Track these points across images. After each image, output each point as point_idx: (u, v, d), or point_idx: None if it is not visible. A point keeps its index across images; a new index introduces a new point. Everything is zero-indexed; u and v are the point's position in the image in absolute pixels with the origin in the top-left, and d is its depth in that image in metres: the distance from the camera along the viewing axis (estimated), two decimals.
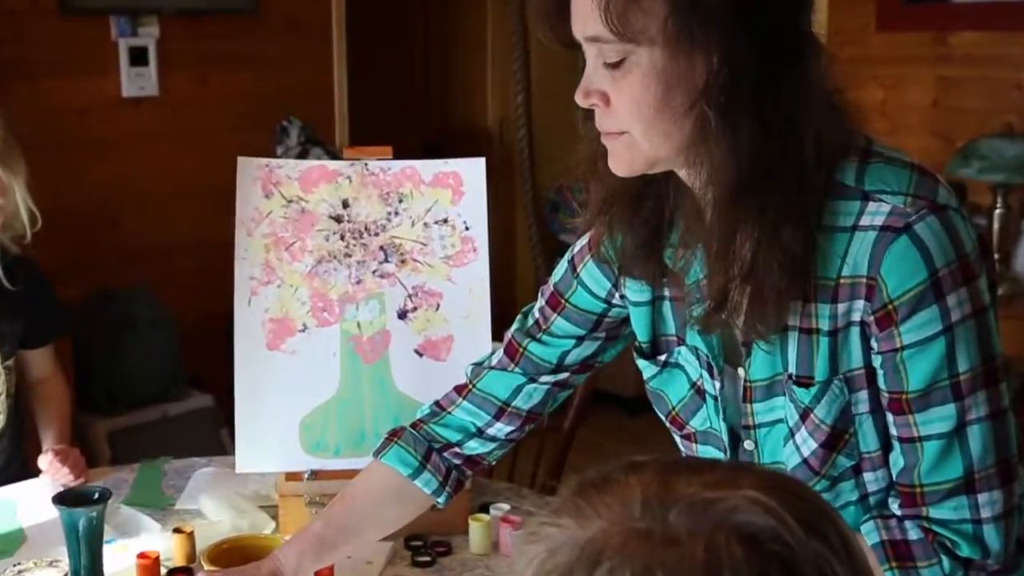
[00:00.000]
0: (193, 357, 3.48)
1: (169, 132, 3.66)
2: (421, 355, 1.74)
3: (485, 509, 1.71)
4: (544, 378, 1.42)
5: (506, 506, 1.71)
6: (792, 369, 1.18)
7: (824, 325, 1.15)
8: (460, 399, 1.47)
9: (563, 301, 1.40)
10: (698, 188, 1.15)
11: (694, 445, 1.32)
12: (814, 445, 1.18)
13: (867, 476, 1.18)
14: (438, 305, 1.74)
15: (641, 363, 1.34)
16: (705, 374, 1.26)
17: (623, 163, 1.16)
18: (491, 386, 1.45)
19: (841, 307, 1.13)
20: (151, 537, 1.68)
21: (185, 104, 3.68)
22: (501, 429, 1.45)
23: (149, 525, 1.73)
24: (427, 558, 1.63)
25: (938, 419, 1.11)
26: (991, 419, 1.10)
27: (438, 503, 1.46)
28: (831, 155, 1.12)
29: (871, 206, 1.11)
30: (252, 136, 3.64)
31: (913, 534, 1.14)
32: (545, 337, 1.41)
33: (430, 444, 1.46)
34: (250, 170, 1.74)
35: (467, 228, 1.75)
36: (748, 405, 1.23)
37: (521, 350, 1.43)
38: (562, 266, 1.41)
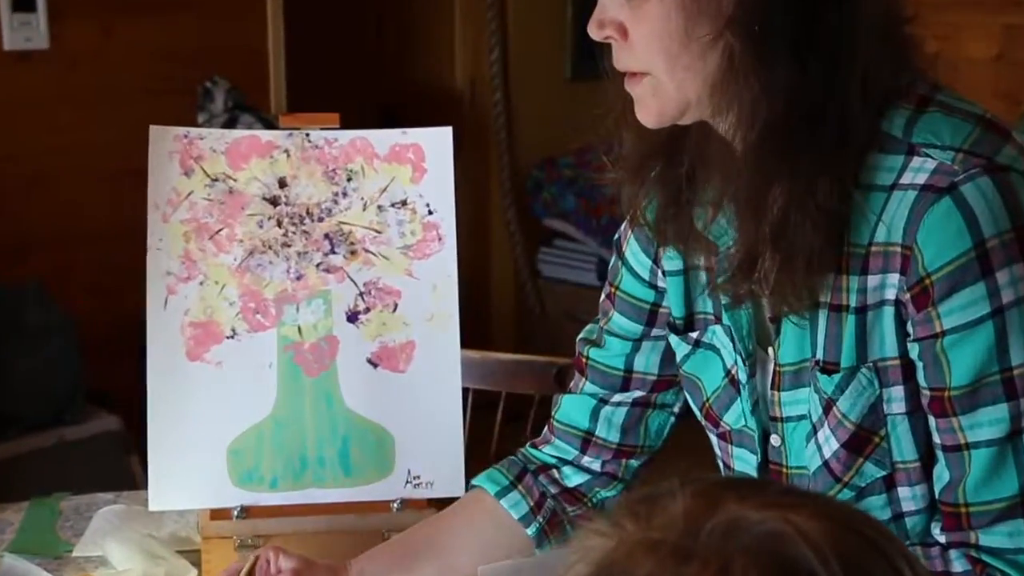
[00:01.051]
0: (97, 370, 3.47)
1: (64, 95, 3.65)
2: (375, 366, 1.75)
3: None
4: (617, 397, 1.48)
5: None
6: (819, 354, 1.22)
7: (852, 300, 1.18)
8: (551, 436, 1.54)
9: (615, 291, 1.47)
10: (729, 135, 1.21)
11: (730, 447, 1.37)
12: (836, 445, 1.22)
13: (901, 492, 1.21)
14: (396, 305, 1.75)
15: (673, 341, 1.41)
16: (739, 360, 1.32)
17: (651, 112, 1.22)
18: (569, 415, 1.52)
19: (872, 280, 1.16)
20: None
21: (84, 60, 3.67)
22: (592, 462, 1.51)
23: None
24: None
25: (988, 423, 1.13)
26: None
27: (529, 535, 1.49)
28: (881, 99, 1.15)
29: (915, 161, 1.14)
30: (168, 100, 3.64)
31: (958, 566, 1.16)
32: (606, 338, 1.48)
33: (525, 466, 1.53)
34: (165, 141, 1.74)
35: (430, 212, 1.76)
36: (776, 393, 1.27)
37: (585, 360, 1.50)
38: (613, 254, 1.49)
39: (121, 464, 3.39)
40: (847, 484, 1.22)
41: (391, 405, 1.73)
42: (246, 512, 1.71)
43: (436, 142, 1.76)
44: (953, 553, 1.16)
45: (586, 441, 1.51)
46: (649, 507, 0.73)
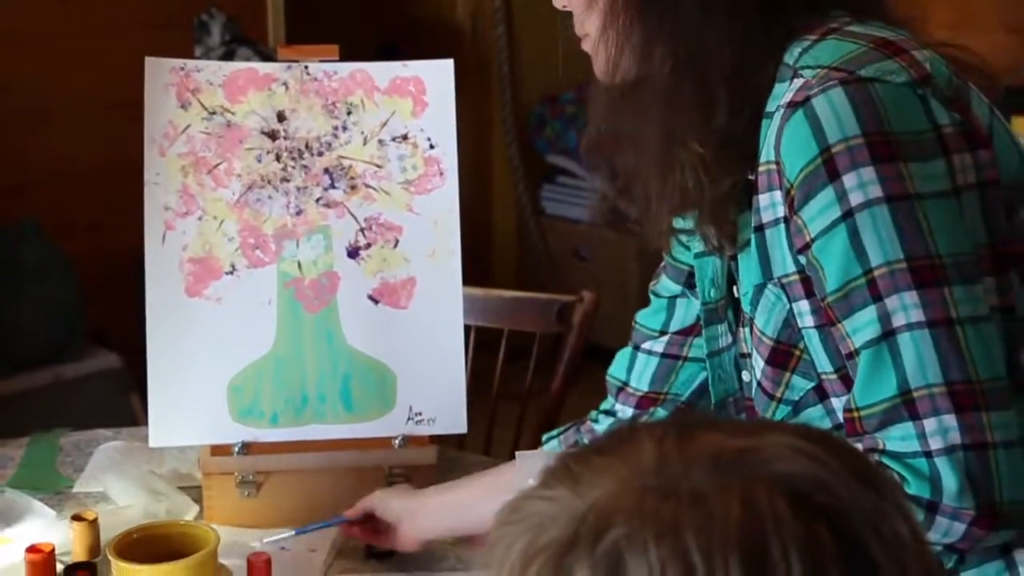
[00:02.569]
0: (95, 308, 3.48)
1: (58, 28, 3.62)
2: (376, 302, 1.75)
3: None
4: (647, 344, 1.54)
5: None
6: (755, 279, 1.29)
7: (752, 220, 1.26)
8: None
9: (664, 257, 1.53)
10: None
11: None
12: (762, 363, 1.28)
13: (834, 402, 1.26)
14: (396, 241, 1.76)
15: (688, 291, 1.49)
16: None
17: (598, 69, 1.32)
18: (614, 369, 1.59)
19: (763, 199, 1.23)
20: (43, 526, 1.70)
21: None
22: (623, 409, 1.57)
23: (41, 512, 1.74)
24: (384, 548, 1.66)
25: (863, 325, 1.17)
26: (932, 328, 1.14)
27: None
28: (784, 34, 1.23)
29: (794, 83, 1.21)
30: (164, 33, 3.62)
31: None
32: (652, 299, 1.55)
33: (575, 423, 1.62)
34: (162, 74, 1.74)
35: (432, 146, 1.76)
36: (741, 329, 1.34)
37: (635, 323, 1.57)
38: None
39: (121, 403, 3.40)
40: (781, 400, 1.28)
41: (392, 342, 1.74)
42: (247, 448, 1.72)
43: (437, 75, 1.76)
44: None
45: (620, 390, 1.57)
46: (613, 459, 0.67)
